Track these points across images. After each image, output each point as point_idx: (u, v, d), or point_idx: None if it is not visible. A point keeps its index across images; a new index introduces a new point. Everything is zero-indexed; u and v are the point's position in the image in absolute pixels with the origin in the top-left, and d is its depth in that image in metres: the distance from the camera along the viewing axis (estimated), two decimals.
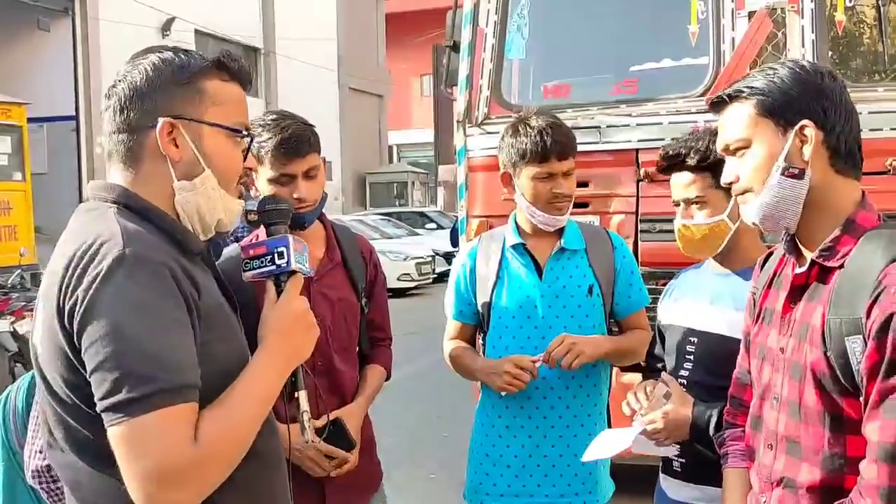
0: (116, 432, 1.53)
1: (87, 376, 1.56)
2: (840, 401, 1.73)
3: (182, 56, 1.78)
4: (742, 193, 1.88)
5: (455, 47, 5.37)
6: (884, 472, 1.62)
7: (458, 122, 4.99)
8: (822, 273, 1.80)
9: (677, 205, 2.60)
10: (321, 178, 2.78)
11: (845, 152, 1.81)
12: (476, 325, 3.05)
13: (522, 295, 2.89)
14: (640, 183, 4.52)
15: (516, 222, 2.96)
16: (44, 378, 1.68)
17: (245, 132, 1.84)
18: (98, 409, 1.54)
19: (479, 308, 2.98)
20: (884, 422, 1.62)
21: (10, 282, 9.80)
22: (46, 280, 1.67)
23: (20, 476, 2.42)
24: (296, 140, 2.66)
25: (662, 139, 4.31)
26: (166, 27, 19.19)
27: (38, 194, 14.56)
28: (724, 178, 1.93)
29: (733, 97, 1.88)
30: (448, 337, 3.11)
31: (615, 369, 4.32)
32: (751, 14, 4.38)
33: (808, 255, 1.84)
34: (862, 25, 4.93)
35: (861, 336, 1.67)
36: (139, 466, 1.53)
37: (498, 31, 4.90)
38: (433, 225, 23.21)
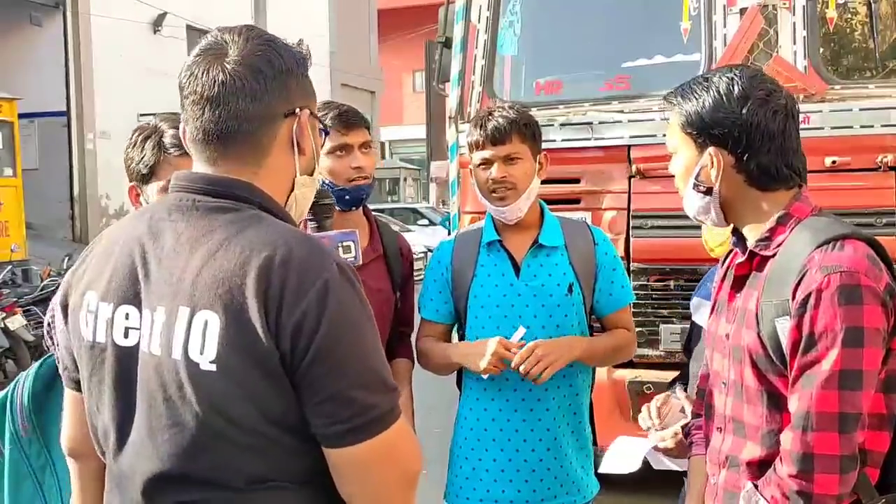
0: (370, 447, 1.50)
1: (314, 397, 1.48)
2: (775, 380, 1.85)
3: (292, 46, 1.67)
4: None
5: (447, 43, 5.37)
6: (797, 438, 1.74)
7: (450, 118, 4.99)
8: (760, 262, 1.91)
9: None
10: (373, 157, 2.91)
11: (760, 174, 1.90)
12: (451, 324, 2.96)
13: (499, 293, 2.81)
14: (632, 179, 4.52)
15: (493, 218, 2.88)
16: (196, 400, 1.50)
17: (327, 130, 1.82)
18: (340, 428, 1.49)
19: (456, 306, 2.90)
20: (800, 393, 1.75)
21: (1, 278, 9.77)
22: (207, 290, 1.48)
23: (25, 463, 2.49)
24: (353, 112, 2.86)
25: (654, 136, 4.33)
26: (158, 23, 19.12)
27: (29, 190, 14.55)
28: (670, 169, 2.06)
29: (670, 104, 2.00)
30: (421, 335, 3.00)
31: (605, 368, 4.34)
32: (742, 11, 4.39)
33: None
34: (853, 22, 4.94)
35: (788, 316, 1.78)
36: (399, 475, 1.57)
37: (490, 27, 4.90)
38: (425, 221, 23.18)
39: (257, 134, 1.59)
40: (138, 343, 1.56)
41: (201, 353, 1.48)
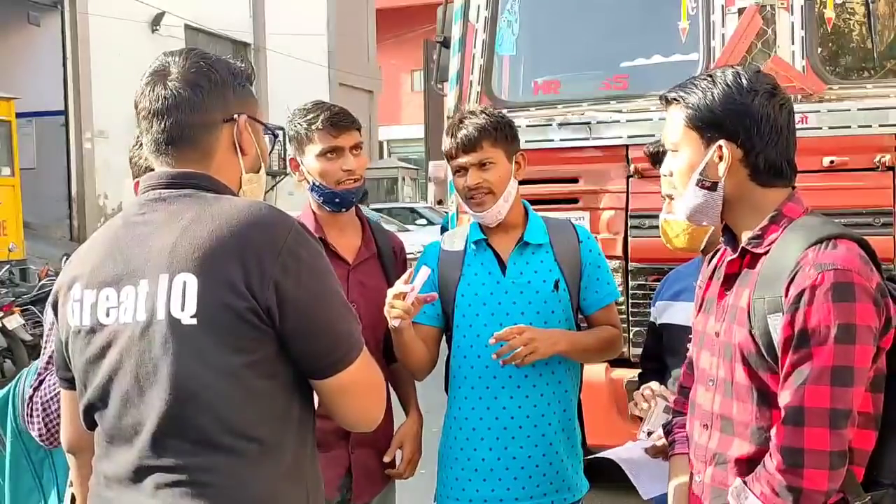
0: (357, 366, 1.76)
1: (307, 340, 1.70)
2: (765, 377, 1.85)
3: (229, 61, 1.90)
4: (673, 189, 2.03)
5: (446, 43, 5.37)
6: (788, 433, 1.76)
7: (448, 117, 4.98)
8: (751, 260, 1.92)
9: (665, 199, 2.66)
10: (364, 158, 2.92)
11: (766, 169, 1.91)
12: (438, 327, 2.91)
13: (486, 292, 2.82)
14: (630, 179, 4.52)
15: None
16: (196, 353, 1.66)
17: (275, 133, 2.02)
18: (334, 358, 1.73)
19: (444, 309, 2.88)
20: (791, 389, 1.76)
21: None
22: (180, 258, 1.67)
23: (25, 457, 2.62)
24: (344, 114, 2.87)
25: (652, 135, 4.32)
26: (156, 22, 19.11)
27: (27, 190, 14.55)
28: (662, 171, 2.08)
29: (671, 102, 1.99)
30: None
31: (603, 366, 4.35)
32: (741, 10, 4.39)
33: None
34: (851, 22, 4.94)
35: (781, 313, 1.79)
36: (379, 388, 1.86)
37: (488, 26, 4.90)
38: (423, 221, 23.19)
39: (201, 139, 1.81)
40: (118, 319, 1.72)
41: (182, 310, 1.65)
